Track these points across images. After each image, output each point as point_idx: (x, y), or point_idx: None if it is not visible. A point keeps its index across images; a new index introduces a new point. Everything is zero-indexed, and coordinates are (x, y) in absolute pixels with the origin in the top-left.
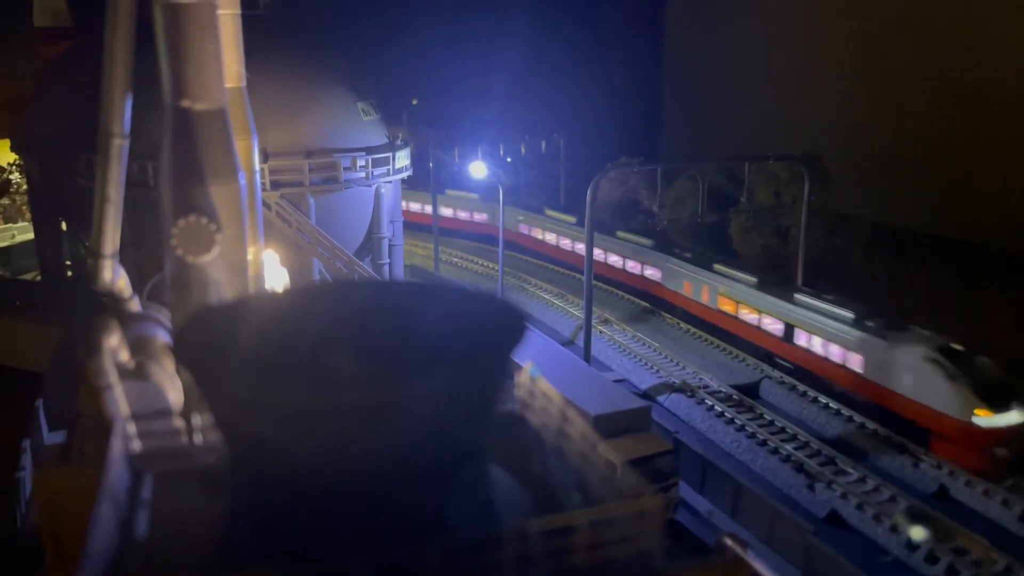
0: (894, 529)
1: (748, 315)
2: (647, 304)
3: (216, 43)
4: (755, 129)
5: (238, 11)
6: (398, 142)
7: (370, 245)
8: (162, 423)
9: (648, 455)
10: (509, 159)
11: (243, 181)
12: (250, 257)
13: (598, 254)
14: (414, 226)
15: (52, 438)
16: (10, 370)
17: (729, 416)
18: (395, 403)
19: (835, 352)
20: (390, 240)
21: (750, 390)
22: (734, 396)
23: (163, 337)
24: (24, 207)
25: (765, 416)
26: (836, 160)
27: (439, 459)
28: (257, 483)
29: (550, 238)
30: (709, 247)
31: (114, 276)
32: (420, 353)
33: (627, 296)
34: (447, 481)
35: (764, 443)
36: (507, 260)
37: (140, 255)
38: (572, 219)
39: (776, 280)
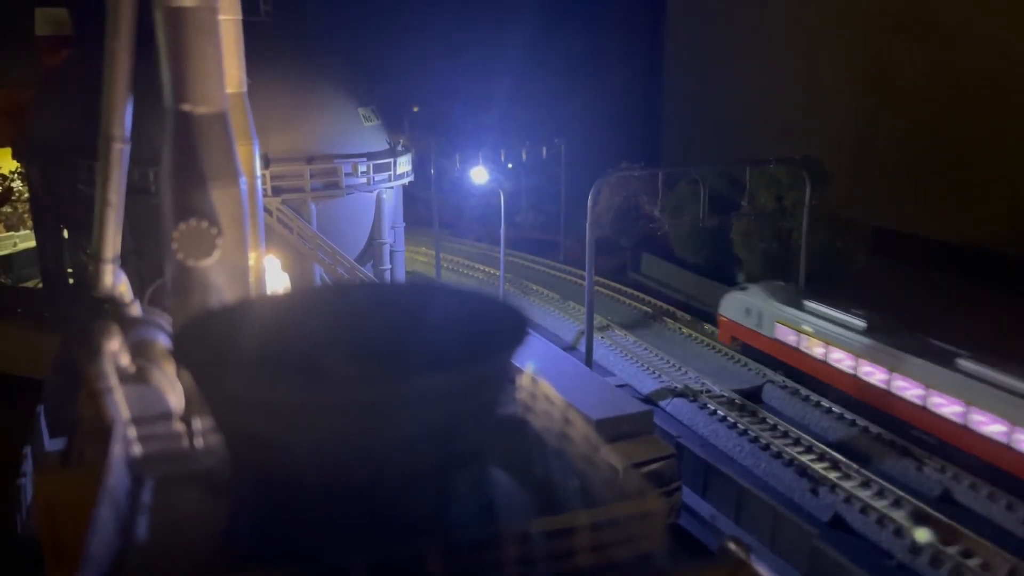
0: (898, 533)
1: None
2: (648, 309)
3: (217, 47)
4: (756, 133)
5: (239, 16)
6: (399, 148)
7: (371, 251)
8: (162, 427)
9: (650, 459)
10: (510, 165)
11: (244, 185)
12: (251, 263)
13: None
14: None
15: (53, 444)
16: (11, 377)
17: (732, 420)
18: (395, 403)
19: None
20: (391, 246)
21: (752, 395)
22: (736, 401)
23: (164, 341)
24: (26, 215)
25: (768, 420)
26: (837, 164)
27: (440, 459)
28: (258, 485)
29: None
30: (712, 251)
31: (115, 280)
32: (420, 353)
33: (627, 301)
34: (448, 481)
35: (767, 447)
36: (510, 266)
37: (141, 261)
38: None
39: None
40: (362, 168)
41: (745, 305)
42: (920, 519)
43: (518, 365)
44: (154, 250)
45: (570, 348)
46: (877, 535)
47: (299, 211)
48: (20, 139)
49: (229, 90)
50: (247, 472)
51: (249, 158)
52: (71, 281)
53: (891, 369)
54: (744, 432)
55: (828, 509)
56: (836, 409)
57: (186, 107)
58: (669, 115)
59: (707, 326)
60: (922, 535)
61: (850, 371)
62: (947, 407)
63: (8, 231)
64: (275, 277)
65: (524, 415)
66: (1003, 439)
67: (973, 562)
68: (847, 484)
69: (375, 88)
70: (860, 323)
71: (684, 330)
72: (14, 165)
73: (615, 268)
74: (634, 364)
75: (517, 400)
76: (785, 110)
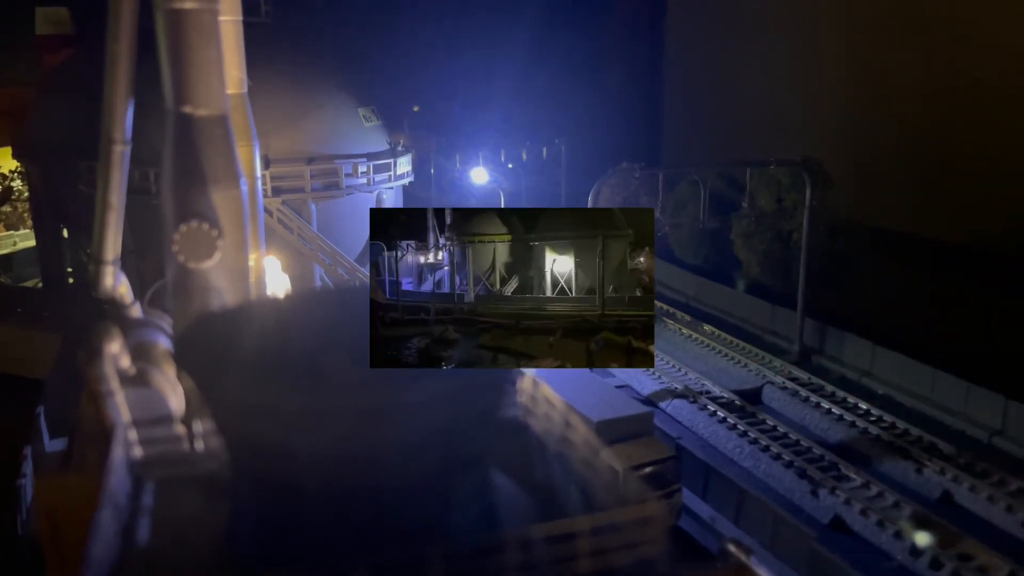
0: (898, 535)
1: None
2: None
3: (218, 49)
4: (756, 133)
5: (240, 17)
6: (399, 148)
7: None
8: (163, 429)
9: (650, 461)
10: (511, 165)
11: (245, 187)
12: (252, 264)
13: None
14: None
15: (53, 445)
16: (11, 377)
17: (731, 422)
18: (397, 407)
19: None
20: None
21: (752, 396)
22: (736, 402)
23: (164, 343)
24: (26, 214)
25: (767, 422)
26: (838, 165)
27: (441, 464)
28: (258, 488)
29: None
30: (712, 252)
31: (115, 282)
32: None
33: None
34: (449, 486)
35: (767, 449)
36: None
37: (142, 262)
38: None
39: None
40: (362, 168)
41: None
42: (920, 521)
43: None
44: (154, 251)
45: None
46: (877, 537)
47: (299, 211)
48: (20, 138)
49: (230, 91)
50: (248, 475)
51: (250, 159)
52: (71, 281)
53: None
54: (744, 434)
55: (828, 511)
56: (836, 411)
57: (187, 109)
58: (669, 115)
59: (707, 326)
60: (922, 538)
61: None
62: None
63: (8, 230)
64: (275, 278)
65: (525, 418)
66: None
67: (973, 565)
68: (847, 486)
69: (375, 88)
70: None
71: (684, 330)
72: (14, 164)
73: None
74: None
75: (518, 403)
76: (785, 110)
